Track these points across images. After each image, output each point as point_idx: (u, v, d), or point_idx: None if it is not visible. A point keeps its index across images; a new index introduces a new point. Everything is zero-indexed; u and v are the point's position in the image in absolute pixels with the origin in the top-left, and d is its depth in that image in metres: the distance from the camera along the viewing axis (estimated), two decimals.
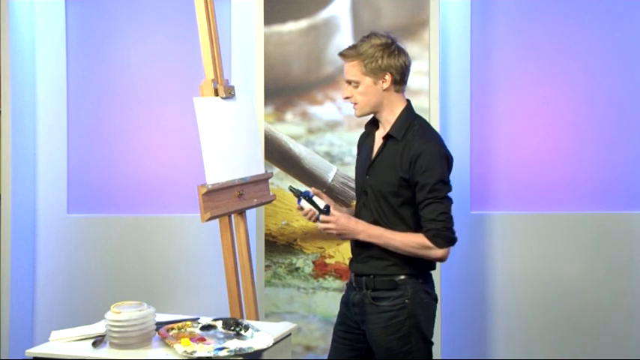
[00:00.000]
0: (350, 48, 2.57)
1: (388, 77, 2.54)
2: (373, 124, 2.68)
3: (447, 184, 2.51)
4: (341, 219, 2.53)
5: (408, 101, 2.62)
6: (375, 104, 2.57)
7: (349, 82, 2.57)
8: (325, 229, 2.54)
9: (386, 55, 2.53)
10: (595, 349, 3.76)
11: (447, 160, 2.54)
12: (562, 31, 3.78)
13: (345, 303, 2.70)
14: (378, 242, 2.53)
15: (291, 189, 2.64)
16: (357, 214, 2.63)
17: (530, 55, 3.79)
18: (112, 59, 4.00)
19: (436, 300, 2.61)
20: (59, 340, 2.41)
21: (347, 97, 2.59)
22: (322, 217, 2.53)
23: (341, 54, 2.59)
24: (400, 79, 2.56)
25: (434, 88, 3.55)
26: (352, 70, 2.55)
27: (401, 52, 2.56)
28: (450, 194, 2.51)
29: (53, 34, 3.98)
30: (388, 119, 2.58)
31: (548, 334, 3.79)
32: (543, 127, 3.80)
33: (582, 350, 3.77)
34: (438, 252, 2.48)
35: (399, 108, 2.58)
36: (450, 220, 2.50)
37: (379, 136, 2.63)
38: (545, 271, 3.79)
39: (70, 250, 3.99)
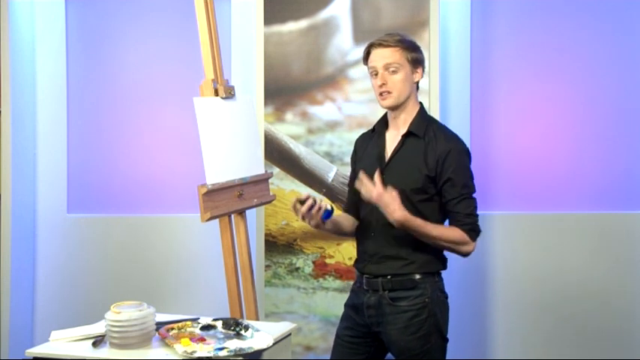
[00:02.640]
0: (388, 36, 2.59)
1: (420, 71, 2.60)
2: (384, 124, 2.68)
3: (473, 183, 2.58)
4: (387, 193, 2.44)
5: (421, 103, 2.67)
6: (406, 96, 2.59)
7: (386, 68, 2.55)
8: (368, 191, 2.44)
9: (420, 51, 2.62)
10: (596, 349, 3.75)
11: (470, 159, 2.61)
12: (562, 31, 3.77)
13: (352, 307, 2.67)
14: (417, 230, 2.48)
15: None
16: (370, 213, 2.60)
17: (530, 55, 3.78)
18: (112, 59, 4.00)
19: (447, 298, 2.63)
20: (59, 340, 2.40)
21: (383, 84, 2.56)
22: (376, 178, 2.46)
23: (379, 42, 2.57)
24: (421, 80, 2.64)
25: (434, 88, 3.55)
26: (395, 54, 2.55)
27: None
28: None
29: (53, 34, 3.98)
30: (405, 118, 2.61)
31: (549, 333, 3.79)
32: (543, 127, 3.80)
33: (583, 350, 3.76)
34: (470, 246, 2.53)
35: (415, 109, 2.63)
36: (478, 216, 2.57)
37: (392, 136, 2.64)
38: (546, 271, 3.78)
39: (70, 250, 3.99)
